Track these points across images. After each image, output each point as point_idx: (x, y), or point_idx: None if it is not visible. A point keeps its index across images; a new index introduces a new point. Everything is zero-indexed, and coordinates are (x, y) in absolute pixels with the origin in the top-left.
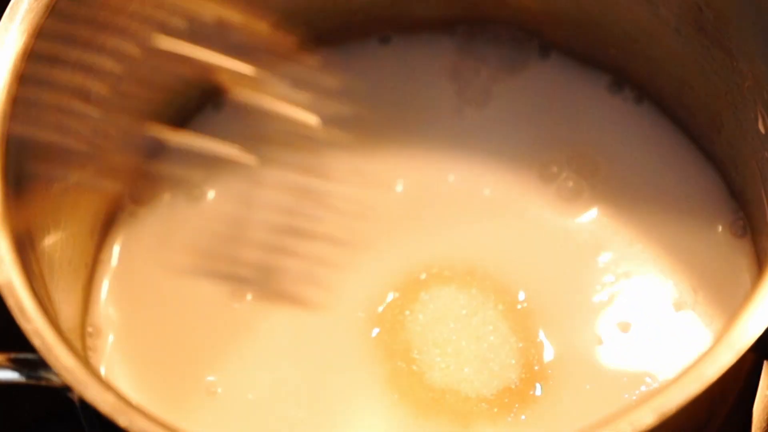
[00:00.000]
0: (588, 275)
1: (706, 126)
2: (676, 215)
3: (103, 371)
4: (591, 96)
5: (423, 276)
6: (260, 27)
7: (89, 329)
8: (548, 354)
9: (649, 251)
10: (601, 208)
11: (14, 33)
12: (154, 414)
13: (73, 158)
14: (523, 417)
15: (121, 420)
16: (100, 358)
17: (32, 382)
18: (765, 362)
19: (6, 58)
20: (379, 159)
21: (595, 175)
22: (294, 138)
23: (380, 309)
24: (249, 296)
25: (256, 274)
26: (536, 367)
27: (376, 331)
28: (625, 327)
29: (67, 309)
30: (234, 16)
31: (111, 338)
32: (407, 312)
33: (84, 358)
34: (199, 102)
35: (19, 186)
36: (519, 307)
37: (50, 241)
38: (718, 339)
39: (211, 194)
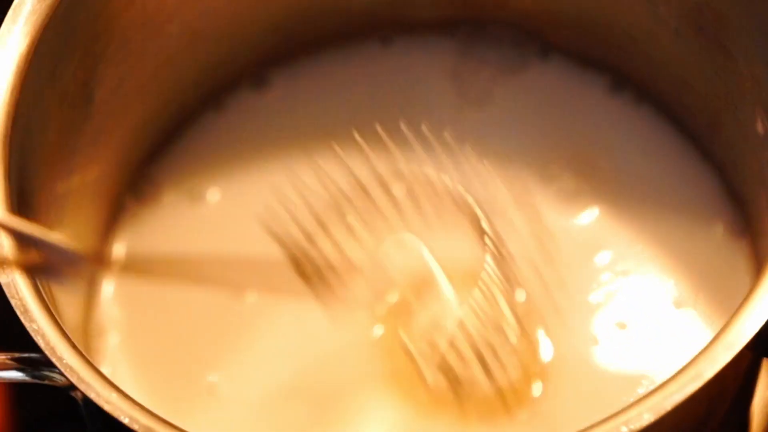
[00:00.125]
0: (587, 275)
1: (706, 127)
2: (675, 215)
3: (106, 371)
4: (591, 97)
5: (423, 276)
6: (261, 27)
7: (92, 329)
8: (548, 354)
9: (648, 251)
10: (600, 209)
11: (17, 34)
12: (157, 413)
13: (76, 158)
14: (522, 417)
15: (124, 419)
16: (103, 357)
17: (35, 381)
18: (765, 361)
19: (9, 59)
20: (378, 161)
21: (595, 175)
22: (295, 138)
23: (381, 309)
24: (251, 296)
25: (258, 275)
26: (536, 367)
27: (377, 330)
28: (624, 327)
29: (71, 309)
30: (235, 17)
31: (114, 338)
32: (408, 312)
33: (87, 358)
34: (201, 102)
35: (23, 186)
36: (519, 307)
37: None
38: (716, 338)
39: (213, 194)
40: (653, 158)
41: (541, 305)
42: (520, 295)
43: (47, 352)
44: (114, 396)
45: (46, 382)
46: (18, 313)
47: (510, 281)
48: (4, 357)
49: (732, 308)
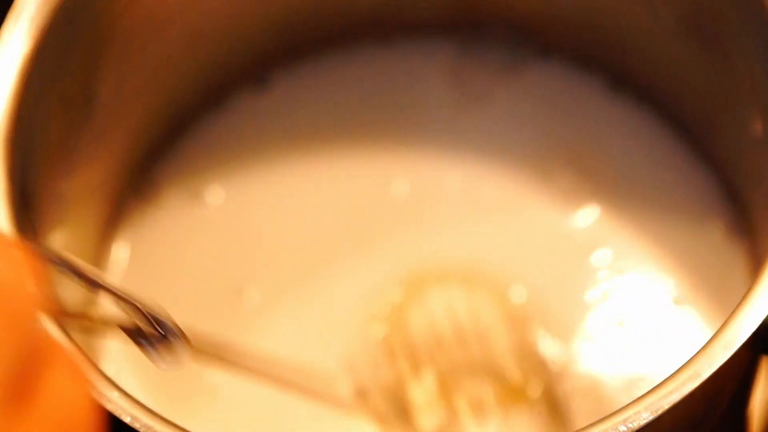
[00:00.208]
0: (587, 275)
1: (705, 127)
2: (674, 215)
3: (107, 370)
4: (590, 97)
5: (423, 276)
6: (261, 28)
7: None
8: (547, 353)
9: (646, 251)
10: (600, 209)
11: (20, 36)
12: (158, 412)
13: (77, 158)
14: (521, 416)
15: (126, 418)
16: (105, 357)
17: None
18: (764, 360)
19: (12, 61)
20: (379, 160)
21: (594, 175)
22: (296, 138)
23: (380, 309)
24: (253, 297)
25: (259, 275)
26: (534, 367)
27: (375, 331)
28: (623, 326)
29: (72, 308)
30: (235, 18)
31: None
32: (407, 312)
33: (89, 357)
34: (202, 102)
35: (24, 186)
36: (518, 306)
37: (56, 241)
38: (714, 337)
39: (214, 194)
40: (652, 158)
41: (540, 305)
42: (520, 295)
43: None
44: (116, 395)
45: None
46: None
47: (509, 280)
48: None
49: (730, 307)
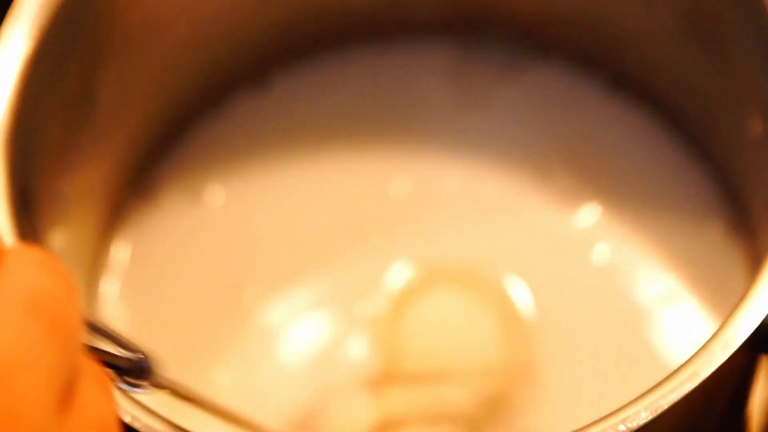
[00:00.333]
0: (586, 275)
1: (704, 127)
2: (674, 215)
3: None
4: (590, 97)
5: (422, 276)
6: (261, 28)
7: None
8: (545, 353)
9: (646, 250)
10: (599, 208)
11: (20, 35)
12: (158, 411)
13: (77, 158)
14: (517, 416)
15: (126, 417)
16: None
17: None
18: (764, 360)
19: (13, 62)
20: (378, 160)
21: (594, 175)
22: (295, 138)
23: (378, 309)
24: (252, 297)
25: (259, 275)
26: (532, 366)
27: (371, 331)
28: (622, 326)
29: None
30: (236, 19)
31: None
32: (405, 312)
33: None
34: (202, 102)
35: (25, 185)
36: (517, 306)
37: (56, 241)
38: (713, 336)
39: (214, 194)
40: (652, 158)
41: (539, 305)
42: (519, 295)
43: None
44: (116, 395)
45: None
46: None
47: (508, 281)
48: None
49: (729, 307)
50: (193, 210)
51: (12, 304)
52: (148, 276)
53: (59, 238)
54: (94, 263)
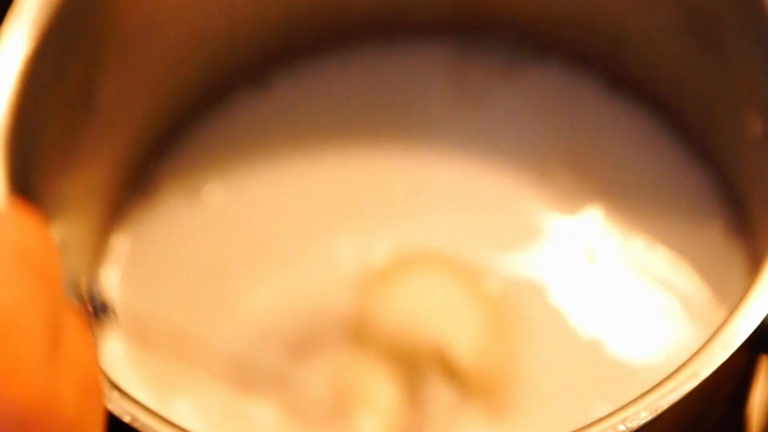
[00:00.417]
0: (586, 275)
1: (704, 127)
2: (673, 215)
3: (108, 370)
4: (589, 97)
5: (417, 271)
6: (261, 28)
7: None
8: (544, 352)
9: (645, 250)
10: (599, 208)
11: (20, 35)
12: (158, 411)
13: (77, 157)
14: (520, 416)
15: (125, 418)
16: (105, 358)
17: None
18: (764, 360)
19: (13, 62)
20: (378, 160)
21: (593, 175)
22: (295, 138)
23: (373, 304)
24: (250, 295)
25: (258, 273)
26: (530, 366)
27: (356, 315)
28: (621, 325)
29: None
30: (235, 18)
31: (115, 334)
32: (398, 302)
33: None
34: (202, 101)
35: (25, 184)
36: (516, 306)
37: (56, 239)
38: (713, 336)
39: (213, 193)
40: (651, 158)
41: (538, 304)
42: (518, 295)
43: None
44: (115, 395)
45: None
46: None
47: (507, 282)
48: None
49: (729, 307)
50: (192, 208)
51: (4, 259)
52: (146, 273)
53: (59, 236)
54: (94, 261)
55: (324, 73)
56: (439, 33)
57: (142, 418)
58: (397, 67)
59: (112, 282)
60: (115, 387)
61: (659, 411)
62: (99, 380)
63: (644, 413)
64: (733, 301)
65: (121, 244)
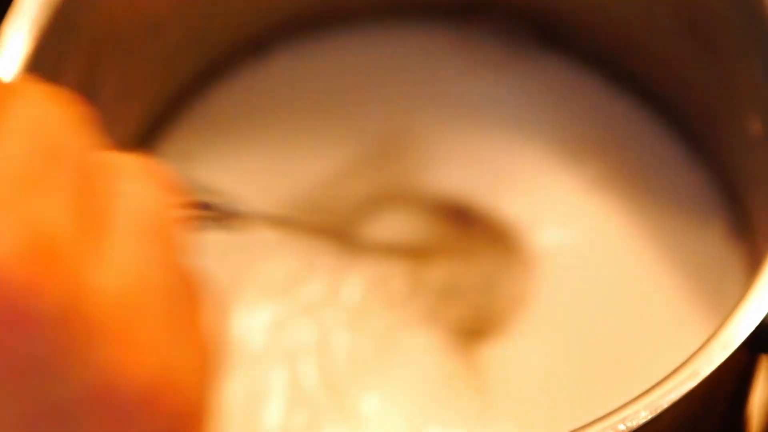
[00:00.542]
0: (584, 273)
1: (705, 127)
2: (673, 215)
3: None
4: (590, 94)
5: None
6: (261, 5)
7: None
8: (542, 347)
9: (645, 250)
10: (598, 208)
11: (20, 35)
12: None
13: None
14: (518, 416)
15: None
16: None
17: None
18: (764, 360)
19: (12, 60)
20: (377, 135)
21: (592, 170)
22: (296, 114)
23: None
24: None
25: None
26: (529, 360)
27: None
28: (620, 325)
29: None
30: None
31: None
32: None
33: None
34: (204, 74)
35: None
36: (513, 310)
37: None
38: (713, 336)
39: (213, 168)
40: (652, 157)
41: (536, 305)
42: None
43: None
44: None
45: None
46: None
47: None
48: None
49: (729, 306)
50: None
51: (15, 137)
52: None
53: None
54: None
55: (324, 47)
56: (439, 17)
57: None
58: (400, 50)
59: None
60: None
61: (659, 410)
62: (169, 230)
63: (644, 413)
64: (732, 301)
65: None
